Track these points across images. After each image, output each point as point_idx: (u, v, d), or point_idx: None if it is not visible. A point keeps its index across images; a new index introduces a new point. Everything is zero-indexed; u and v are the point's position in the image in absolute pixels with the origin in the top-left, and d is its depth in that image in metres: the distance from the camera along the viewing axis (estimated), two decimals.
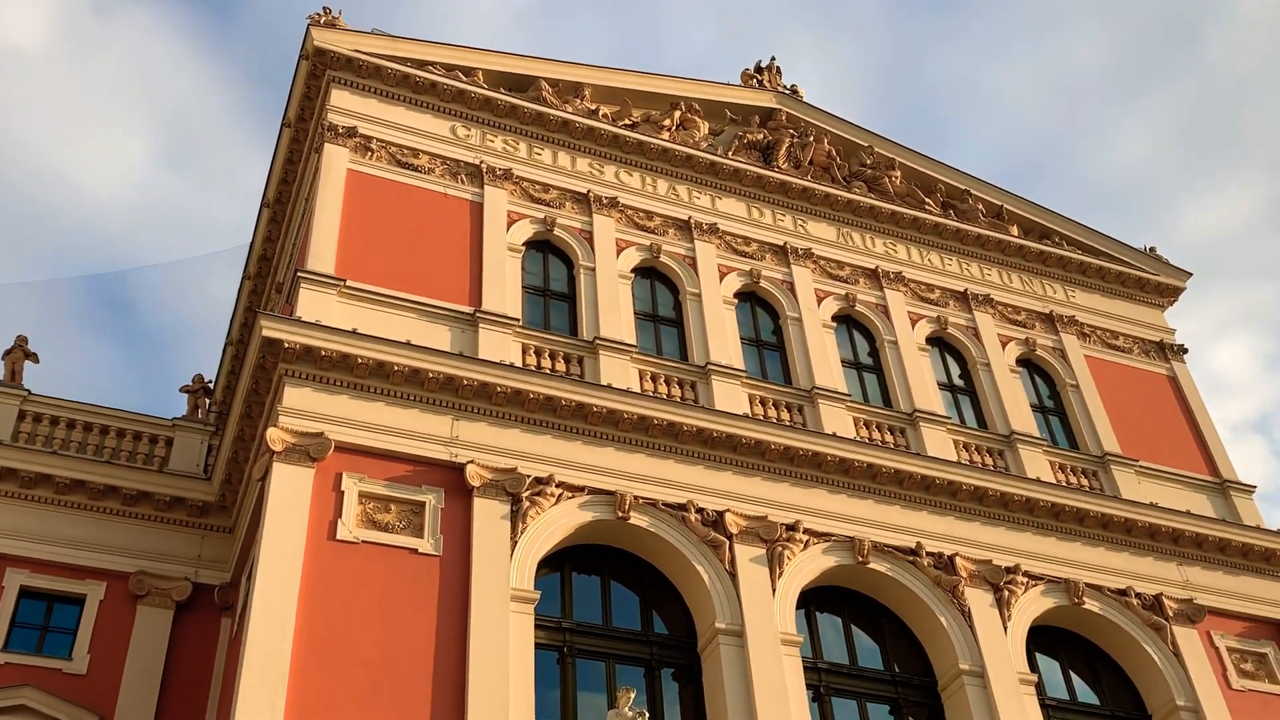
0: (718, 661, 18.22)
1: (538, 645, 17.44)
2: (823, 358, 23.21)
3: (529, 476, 18.57)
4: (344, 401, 18.37)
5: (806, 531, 20.10)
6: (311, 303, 19.26)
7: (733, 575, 19.02)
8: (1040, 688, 20.36)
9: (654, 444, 19.94)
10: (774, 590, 19.12)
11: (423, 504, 17.84)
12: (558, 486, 18.77)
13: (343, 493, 17.47)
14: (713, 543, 19.26)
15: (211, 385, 25.10)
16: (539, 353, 20.67)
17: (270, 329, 18.25)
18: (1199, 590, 22.45)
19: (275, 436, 17.47)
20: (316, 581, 16.39)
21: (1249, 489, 24.96)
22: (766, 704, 17.67)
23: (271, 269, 26.08)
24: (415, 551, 17.35)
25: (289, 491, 17.09)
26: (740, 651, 18.23)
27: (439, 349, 19.34)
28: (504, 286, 21.19)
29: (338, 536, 17.01)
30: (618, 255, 23.05)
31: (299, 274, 19.69)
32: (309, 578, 16.37)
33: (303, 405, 18.06)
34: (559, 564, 18.94)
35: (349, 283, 19.87)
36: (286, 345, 18.21)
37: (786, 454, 20.62)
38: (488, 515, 17.96)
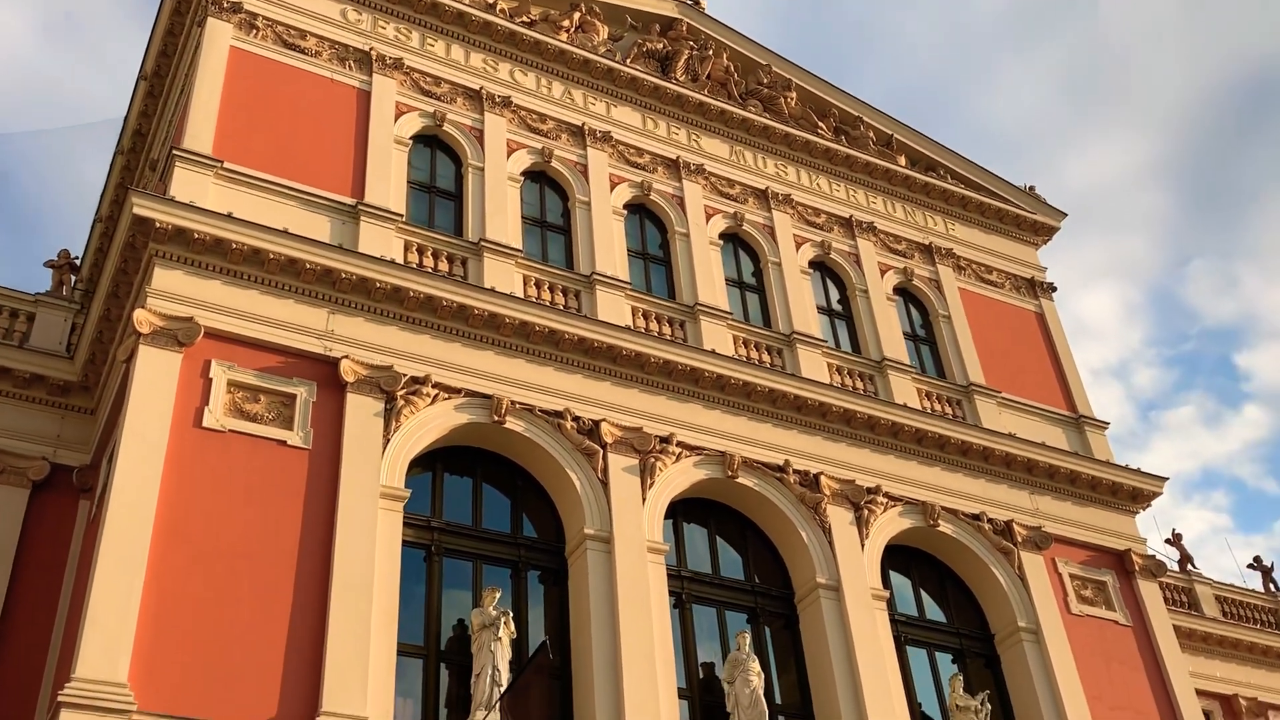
0: (584, 566, 18.50)
1: (405, 543, 17.46)
2: (707, 275, 23.37)
3: (405, 375, 18.41)
4: (216, 287, 17.88)
5: (680, 444, 20.41)
6: (186, 183, 18.59)
7: (604, 483, 19.24)
8: (891, 604, 21.20)
9: (534, 350, 19.92)
10: (644, 500, 19.43)
11: (294, 396, 17.56)
12: (434, 387, 18.66)
13: (211, 380, 17.09)
14: (587, 451, 19.43)
15: (78, 262, 24.15)
16: (421, 250, 20.36)
17: (141, 207, 17.59)
18: (1048, 519, 23.51)
19: (142, 318, 16.95)
20: (179, 468, 16.09)
21: (1102, 425, 26.09)
22: (630, 608, 18.06)
23: (146, 145, 25.04)
24: (284, 444, 17.12)
25: (154, 375, 16.65)
26: (607, 557, 18.54)
27: (317, 239, 18.89)
28: (388, 180, 20.74)
29: (204, 424, 16.67)
30: (508, 156, 22.71)
31: (174, 152, 18.96)
32: (172, 464, 16.05)
33: (172, 288, 17.52)
34: (431, 464, 18.91)
35: (226, 164, 19.22)
36: (158, 225, 17.59)
37: (665, 368, 20.82)
38: (360, 411, 17.79)
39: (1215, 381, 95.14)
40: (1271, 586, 33.65)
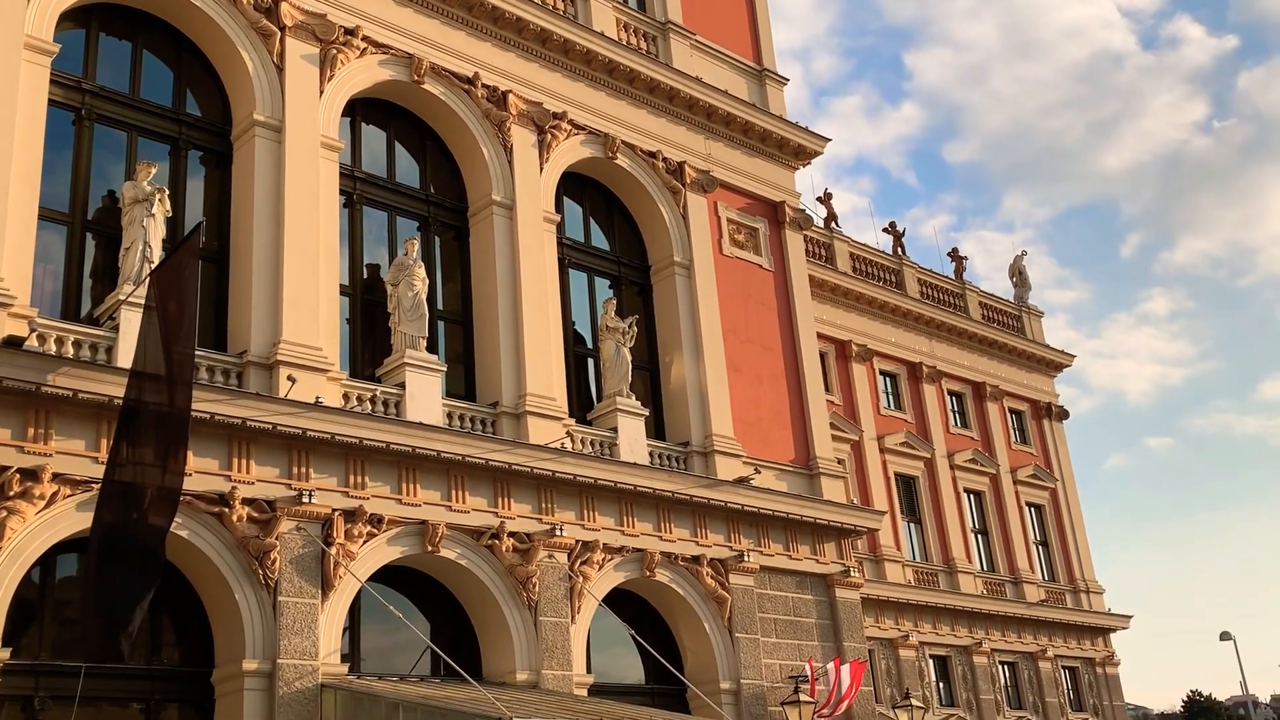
0: (251, 153, 17.81)
1: (52, 102, 16.08)
2: None
3: None
4: None
5: (365, 39, 19.49)
6: None
7: (280, 69, 18.25)
8: (561, 228, 21.91)
9: None
10: (321, 92, 18.65)
11: None
12: None
13: None
14: (263, 31, 18.22)
15: None
16: None
17: None
18: (717, 165, 24.58)
19: None
20: None
21: (782, 80, 27.00)
22: (296, 202, 17.69)
23: None
24: None
25: None
26: (277, 147, 17.88)
27: None
28: None
29: None
30: None
31: None
32: None
33: None
34: (85, 20, 17.17)
35: None
36: None
37: None
38: None
39: (883, 76, 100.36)
40: (899, 250, 37.28)
